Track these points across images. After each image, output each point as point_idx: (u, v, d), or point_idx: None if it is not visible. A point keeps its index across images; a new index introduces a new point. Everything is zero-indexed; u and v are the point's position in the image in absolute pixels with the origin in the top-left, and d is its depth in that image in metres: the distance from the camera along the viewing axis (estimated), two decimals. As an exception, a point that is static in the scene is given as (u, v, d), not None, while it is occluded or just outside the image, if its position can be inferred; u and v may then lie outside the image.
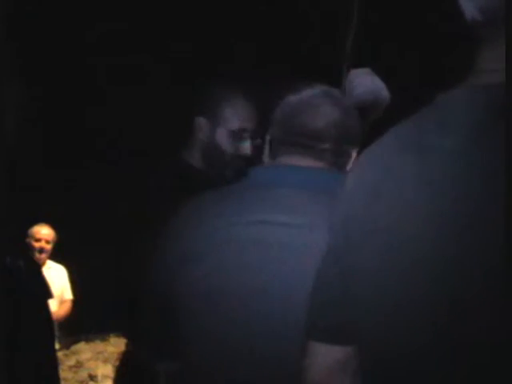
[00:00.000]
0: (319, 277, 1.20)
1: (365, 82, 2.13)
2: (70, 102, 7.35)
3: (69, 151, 7.74)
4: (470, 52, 1.04)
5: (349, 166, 1.69)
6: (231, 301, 1.58)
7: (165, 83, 6.54)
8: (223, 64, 5.80)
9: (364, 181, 1.12)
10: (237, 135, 2.40)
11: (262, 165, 1.83)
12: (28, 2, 5.62)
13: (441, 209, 0.99)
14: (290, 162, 1.68)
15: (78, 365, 7.33)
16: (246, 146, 2.40)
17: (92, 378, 7.19)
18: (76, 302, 6.73)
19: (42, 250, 6.34)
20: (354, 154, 1.71)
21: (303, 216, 1.58)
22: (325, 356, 1.16)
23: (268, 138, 1.75)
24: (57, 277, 6.47)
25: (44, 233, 6.38)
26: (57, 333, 5.83)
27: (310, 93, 1.71)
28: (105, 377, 7.09)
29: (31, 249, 6.15)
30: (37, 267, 2.27)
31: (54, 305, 5.90)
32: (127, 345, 2.44)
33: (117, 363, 3.01)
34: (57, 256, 6.64)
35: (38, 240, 6.32)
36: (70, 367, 7.22)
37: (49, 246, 6.42)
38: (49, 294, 2.14)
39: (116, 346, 7.03)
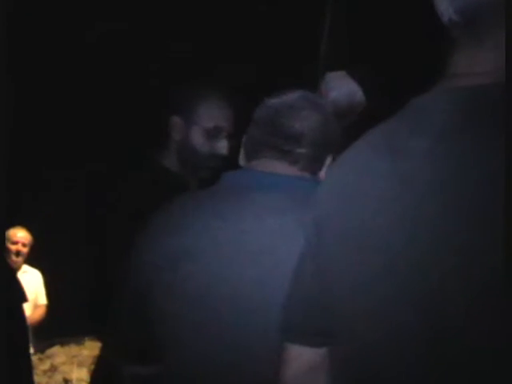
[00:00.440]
0: (294, 279, 1.21)
1: (339, 86, 2.15)
2: (44, 102, 7.31)
3: (44, 152, 7.69)
4: (443, 56, 1.06)
5: (322, 173, 1.70)
6: (208, 305, 1.58)
7: (138, 83, 6.53)
8: (197, 64, 5.80)
9: (337, 183, 1.13)
10: (212, 134, 2.39)
11: (237, 168, 1.80)
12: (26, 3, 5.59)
13: (413, 209, 1.00)
14: (264, 167, 1.67)
15: (53, 369, 7.27)
16: (223, 146, 2.39)
17: (67, 382, 7.14)
18: (51, 305, 6.68)
19: (18, 253, 6.30)
20: (328, 161, 1.71)
21: (277, 221, 1.58)
22: (299, 358, 1.17)
23: (244, 138, 1.75)
24: (32, 281, 6.43)
25: (20, 236, 6.34)
26: (31, 337, 5.79)
27: (291, 96, 1.71)
28: (80, 381, 7.04)
29: (7, 252, 6.11)
30: (11, 270, 2.24)
31: (28, 309, 5.86)
32: (102, 348, 2.42)
33: (92, 367, 3.00)
34: (32, 260, 6.59)
35: (15, 243, 6.28)
36: (45, 371, 7.17)
37: (25, 249, 6.39)
38: (23, 298, 2.12)
39: (91, 349, 6.99)
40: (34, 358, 6.44)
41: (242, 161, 1.75)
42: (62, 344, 7.61)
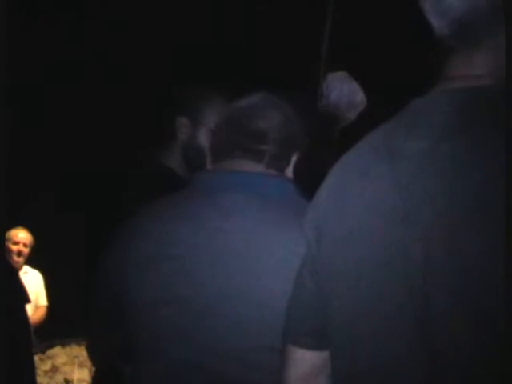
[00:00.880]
0: (295, 281, 1.21)
1: (340, 86, 2.15)
2: (45, 101, 7.30)
3: (45, 152, 7.68)
4: (440, 59, 1.07)
5: (288, 170, 1.74)
6: (190, 306, 1.61)
7: (143, 82, 6.52)
8: (204, 65, 5.79)
9: (337, 186, 1.14)
10: None
11: (204, 171, 1.87)
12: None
13: (412, 211, 1.00)
14: (232, 167, 1.71)
15: (54, 369, 7.27)
16: None
17: (68, 382, 7.14)
18: (52, 306, 6.68)
19: (19, 254, 6.30)
20: (293, 160, 1.75)
21: (244, 221, 1.62)
22: (300, 361, 1.18)
23: (209, 144, 1.80)
24: (33, 282, 6.42)
25: (22, 236, 6.35)
26: (32, 337, 5.78)
27: (254, 98, 1.76)
28: (81, 381, 7.04)
29: (8, 252, 6.11)
30: (14, 271, 2.24)
31: (28, 310, 5.85)
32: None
33: (93, 367, 2.99)
34: (33, 261, 6.59)
35: (16, 243, 6.29)
36: (46, 372, 7.17)
37: (26, 250, 6.39)
38: (26, 299, 2.12)
39: (92, 350, 6.95)
40: (35, 359, 6.42)
41: (209, 165, 1.80)
42: (63, 344, 7.60)
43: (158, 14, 6.36)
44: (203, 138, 2.38)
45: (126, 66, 6.70)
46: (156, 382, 1.64)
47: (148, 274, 1.65)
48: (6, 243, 6.15)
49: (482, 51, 1.04)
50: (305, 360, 1.18)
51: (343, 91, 2.13)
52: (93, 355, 1.91)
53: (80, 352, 7.30)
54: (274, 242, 1.59)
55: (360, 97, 2.14)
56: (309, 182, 1.41)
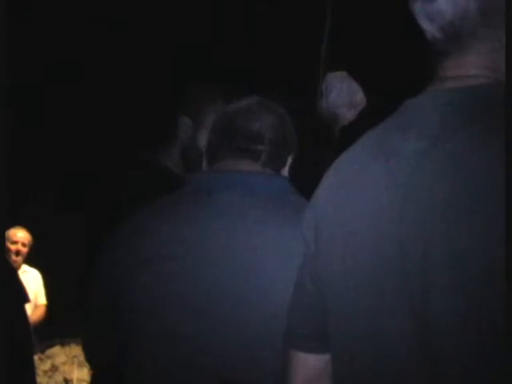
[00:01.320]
0: (296, 284, 1.22)
1: (340, 85, 2.16)
2: (46, 101, 7.28)
3: (45, 152, 7.67)
4: (433, 61, 1.08)
5: (284, 170, 1.76)
6: (185, 309, 1.61)
7: (143, 82, 6.51)
8: (206, 65, 5.79)
9: (333, 187, 1.14)
10: None
11: (201, 171, 1.87)
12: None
13: (409, 210, 1.01)
14: (228, 167, 1.73)
15: (53, 369, 7.27)
16: None
17: (67, 382, 7.14)
18: (51, 305, 6.68)
19: (18, 253, 6.30)
20: (289, 160, 1.77)
21: (242, 221, 1.63)
22: (302, 365, 1.18)
23: (204, 148, 1.81)
24: (32, 281, 6.42)
25: (20, 236, 6.35)
26: (32, 337, 5.77)
27: (247, 101, 1.78)
28: (80, 381, 7.04)
29: (7, 251, 6.10)
30: (13, 270, 2.23)
31: (28, 309, 5.84)
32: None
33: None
34: (32, 260, 6.59)
35: (15, 242, 6.29)
36: (45, 371, 7.17)
37: (25, 249, 6.39)
38: (25, 298, 2.13)
39: (91, 349, 6.93)
40: (35, 358, 6.40)
41: (205, 166, 1.81)
42: (63, 344, 7.60)
43: (157, 14, 6.36)
44: (203, 140, 2.36)
45: (126, 65, 6.69)
46: (154, 383, 1.64)
47: (146, 274, 1.65)
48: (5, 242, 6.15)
49: (473, 53, 1.05)
50: (307, 364, 1.19)
51: (343, 91, 2.15)
52: (89, 355, 1.91)
53: (79, 352, 7.29)
54: (272, 241, 1.59)
55: (359, 96, 2.14)
56: (306, 182, 1.43)
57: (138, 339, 1.66)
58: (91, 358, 1.93)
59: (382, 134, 1.10)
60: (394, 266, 1.01)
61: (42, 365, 7.19)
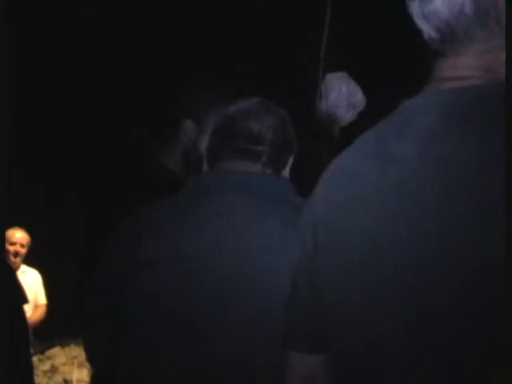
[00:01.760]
0: (292, 284, 1.22)
1: (339, 86, 2.16)
2: (47, 101, 7.29)
3: (45, 153, 7.68)
4: (430, 62, 1.09)
5: (285, 171, 1.76)
6: (187, 311, 1.61)
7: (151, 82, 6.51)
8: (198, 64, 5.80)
9: (330, 189, 1.14)
10: None
11: (201, 173, 1.88)
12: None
13: (404, 212, 1.01)
14: (228, 168, 1.72)
15: (53, 369, 7.27)
16: None
17: (67, 382, 7.15)
18: (51, 306, 6.68)
19: (16, 254, 6.30)
20: (290, 161, 1.77)
21: (243, 221, 1.63)
22: (300, 364, 1.19)
23: (205, 150, 1.81)
24: (31, 281, 6.42)
25: (19, 236, 6.34)
26: (31, 338, 5.79)
27: (247, 103, 1.77)
28: (80, 381, 7.05)
29: (5, 252, 6.10)
30: (11, 271, 2.24)
31: (28, 310, 5.86)
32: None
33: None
34: (31, 260, 6.59)
35: (13, 244, 6.28)
36: (45, 372, 7.17)
37: (23, 250, 6.38)
38: (24, 299, 2.13)
39: (91, 350, 6.95)
40: (34, 359, 6.44)
41: (206, 167, 1.81)
42: (62, 345, 7.60)
43: (157, 14, 6.37)
44: (205, 143, 2.36)
45: (132, 67, 6.70)
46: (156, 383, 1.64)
47: (146, 275, 1.65)
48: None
49: (468, 54, 1.06)
50: (304, 363, 1.19)
51: (342, 92, 2.15)
52: (89, 355, 1.92)
53: (79, 352, 7.31)
54: (273, 242, 1.59)
55: (359, 97, 2.14)
56: (306, 182, 1.44)
57: (138, 339, 1.66)
58: (91, 358, 1.93)
59: (378, 136, 1.10)
60: (389, 268, 1.01)
61: (41, 365, 7.20)
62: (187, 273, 1.62)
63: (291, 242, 1.46)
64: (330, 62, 2.33)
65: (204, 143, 2.24)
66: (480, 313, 0.94)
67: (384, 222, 1.03)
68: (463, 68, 1.05)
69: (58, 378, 7.16)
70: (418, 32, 1.10)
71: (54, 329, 6.91)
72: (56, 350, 7.53)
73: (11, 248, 6.25)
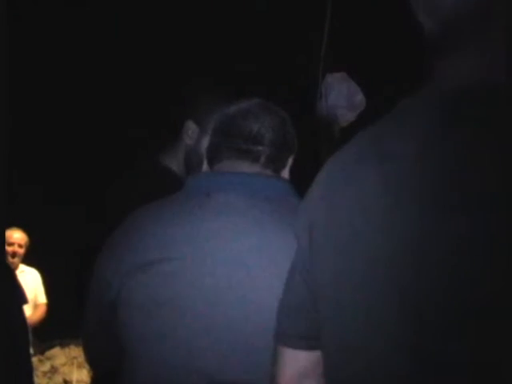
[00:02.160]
0: (287, 282, 1.21)
1: (339, 87, 2.16)
2: (48, 100, 7.31)
3: (42, 153, 7.69)
4: (429, 61, 1.07)
5: (284, 172, 1.75)
6: (184, 311, 1.61)
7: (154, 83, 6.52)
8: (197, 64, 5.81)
9: (325, 189, 1.13)
10: None
11: (201, 172, 1.88)
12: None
13: (400, 214, 1.00)
14: (227, 168, 1.73)
15: (53, 370, 7.28)
16: None
17: (67, 383, 7.15)
18: (50, 307, 6.68)
19: (14, 254, 6.30)
20: (289, 162, 1.77)
21: (242, 221, 1.63)
22: (292, 361, 1.18)
23: (207, 147, 1.80)
24: (30, 280, 6.43)
25: (17, 237, 6.34)
26: (31, 338, 5.79)
27: (248, 103, 1.77)
28: (80, 382, 7.05)
29: (5, 253, 6.10)
30: (10, 272, 2.24)
31: (27, 309, 5.86)
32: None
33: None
34: (30, 260, 6.59)
35: (11, 244, 6.28)
36: (45, 373, 7.18)
37: (21, 250, 6.39)
38: (23, 300, 2.12)
39: (91, 350, 6.95)
40: (34, 360, 6.44)
41: (205, 167, 1.81)
42: (62, 345, 7.61)
43: (157, 15, 6.38)
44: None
45: (136, 68, 6.71)
46: None
47: (145, 275, 1.64)
48: (1, 244, 6.13)
49: (470, 53, 1.04)
50: (297, 360, 1.18)
51: (342, 92, 2.15)
52: (89, 357, 1.91)
53: (79, 353, 7.31)
54: (272, 242, 1.59)
55: (359, 98, 2.14)
56: (306, 183, 1.41)
57: (137, 341, 1.65)
58: (91, 360, 1.93)
59: (375, 135, 1.09)
60: (387, 268, 1.00)
61: (41, 366, 7.20)
62: (185, 273, 1.62)
63: (290, 243, 1.44)
64: (330, 62, 2.33)
65: (206, 144, 2.30)
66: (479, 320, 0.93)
67: (381, 223, 1.02)
68: (462, 67, 1.03)
69: (58, 378, 7.16)
70: (418, 31, 1.08)
71: (53, 329, 6.92)
72: (56, 351, 7.54)
73: (9, 248, 6.25)
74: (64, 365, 7.32)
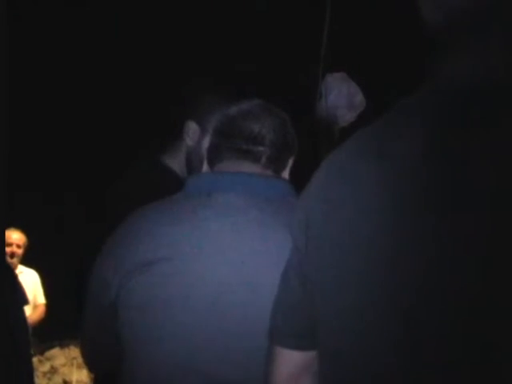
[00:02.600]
0: (282, 282, 1.21)
1: (339, 87, 2.16)
2: (46, 100, 7.29)
3: (41, 153, 7.67)
4: (429, 60, 1.06)
5: (285, 173, 1.76)
6: (183, 311, 1.61)
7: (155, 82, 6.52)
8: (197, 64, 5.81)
9: (323, 188, 1.12)
10: None
11: (201, 173, 1.87)
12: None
13: (398, 214, 0.99)
14: (228, 168, 1.72)
15: (53, 371, 7.28)
16: None
17: (66, 383, 7.14)
18: (50, 308, 6.68)
19: (13, 255, 6.29)
20: (290, 163, 1.77)
21: (242, 222, 1.63)
22: (286, 361, 1.18)
23: (207, 147, 1.80)
24: (29, 281, 6.42)
25: (15, 237, 6.34)
26: (31, 338, 5.78)
27: (248, 104, 1.77)
28: (79, 382, 7.05)
29: (5, 253, 6.08)
30: (11, 272, 2.25)
31: (27, 310, 5.84)
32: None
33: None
34: (30, 260, 6.58)
35: (10, 245, 6.27)
36: (45, 373, 7.17)
37: (20, 251, 6.38)
38: (24, 300, 2.13)
39: (91, 351, 6.94)
40: (34, 360, 6.42)
41: (205, 168, 1.81)
42: (62, 346, 7.60)
43: (156, 15, 6.38)
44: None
45: (136, 68, 6.70)
46: None
47: (145, 277, 1.64)
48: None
49: (472, 50, 1.02)
50: (291, 360, 1.18)
51: (342, 92, 2.14)
52: (87, 359, 1.92)
53: (79, 353, 7.27)
54: (272, 242, 1.59)
55: (359, 98, 2.13)
56: (306, 184, 1.41)
57: (137, 342, 1.65)
58: (90, 361, 1.94)
59: (373, 134, 1.08)
60: (385, 268, 1.00)
61: (41, 367, 7.20)
62: (185, 274, 1.61)
63: (290, 244, 1.47)
64: (330, 62, 2.33)
65: (206, 144, 2.28)
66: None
67: (379, 222, 1.00)
68: (465, 66, 1.02)
69: (58, 379, 7.16)
70: (418, 31, 1.06)
71: (53, 330, 6.91)
72: (55, 351, 7.53)
73: (8, 249, 6.23)
74: (64, 365, 7.32)
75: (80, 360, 7.09)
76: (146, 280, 1.64)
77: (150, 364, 1.63)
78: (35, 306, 6.55)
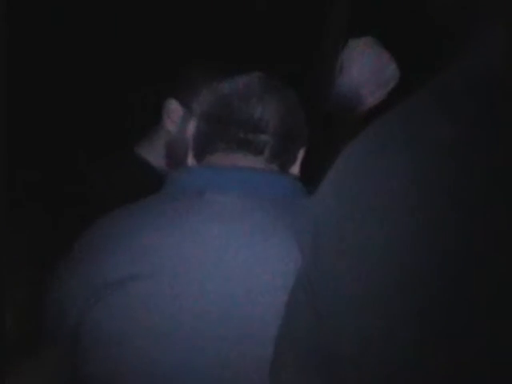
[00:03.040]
0: (288, 305, 1.12)
1: (362, 58, 1.93)
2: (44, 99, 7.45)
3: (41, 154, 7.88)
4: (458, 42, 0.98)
5: (294, 168, 1.64)
6: (165, 336, 1.50)
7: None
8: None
9: (339, 190, 1.04)
10: None
11: (187, 167, 1.70)
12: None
13: (435, 215, 0.91)
14: (222, 162, 1.60)
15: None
16: None
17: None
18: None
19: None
20: (300, 156, 1.64)
21: (239, 228, 1.54)
22: None
23: (193, 134, 1.65)
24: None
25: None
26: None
27: (245, 79, 1.64)
28: None
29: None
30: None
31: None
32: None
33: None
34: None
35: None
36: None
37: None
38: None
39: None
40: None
41: (191, 160, 1.64)
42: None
43: (154, 14, 6.54)
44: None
45: (131, 67, 6.85)
46: None
47: (116, 297, 1.52)
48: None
49: (489, 40, 0.95)
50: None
51: (366, 64, 1.87)
52: None
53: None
54: (277, 253, 1.51)
55: (390, 70, 1.87)
56: (315, 182, 1.28)
57: (108, 372, 1.52)
58: None
59: (402, 121, 0.99)
60: (403, 281, 0.92)
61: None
62: (169, 292, 1.51)
63: (297, 254, 1.32)
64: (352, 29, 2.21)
65: (192, 129, 2.06)
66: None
67: (409, 226, 0.92)
68: (480, 55, 0.95)
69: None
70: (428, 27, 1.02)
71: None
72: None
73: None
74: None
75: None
76: (117, 303, 1.52)
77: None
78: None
